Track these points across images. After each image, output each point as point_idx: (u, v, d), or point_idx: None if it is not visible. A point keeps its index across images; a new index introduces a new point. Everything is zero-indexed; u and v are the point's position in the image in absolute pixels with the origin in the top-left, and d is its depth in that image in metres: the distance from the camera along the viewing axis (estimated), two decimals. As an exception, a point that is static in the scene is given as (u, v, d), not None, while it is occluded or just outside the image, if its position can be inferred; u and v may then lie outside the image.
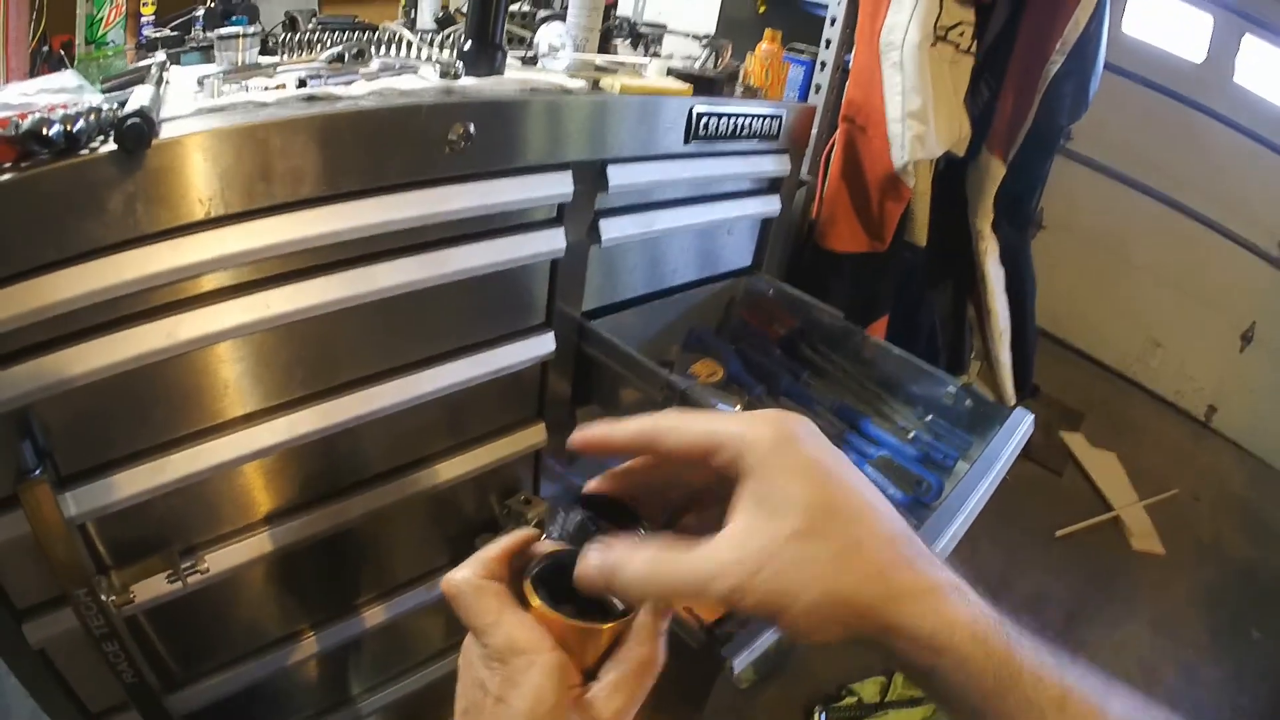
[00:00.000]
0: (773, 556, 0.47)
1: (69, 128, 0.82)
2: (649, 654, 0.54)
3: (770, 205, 1.90)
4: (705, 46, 1.75)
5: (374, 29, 1.48)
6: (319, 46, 1.35)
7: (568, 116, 1.33)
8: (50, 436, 0.96)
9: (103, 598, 1.04)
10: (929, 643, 0.46)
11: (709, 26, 2.41)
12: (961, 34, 2.17)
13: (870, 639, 0.48)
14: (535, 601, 0.54)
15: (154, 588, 1.12)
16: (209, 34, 1.54)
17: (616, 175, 1.43)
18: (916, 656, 0.47)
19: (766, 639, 1.18)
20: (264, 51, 1.25)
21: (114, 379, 0.95)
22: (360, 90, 1.15)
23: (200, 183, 0.94)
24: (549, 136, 1.31)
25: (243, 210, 0.99)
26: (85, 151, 0.85)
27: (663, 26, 1.91)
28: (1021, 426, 1.57)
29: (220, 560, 1.19)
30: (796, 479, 0.49)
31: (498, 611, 0.53)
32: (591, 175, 1.41)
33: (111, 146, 0.85)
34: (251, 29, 1.22)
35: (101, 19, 1.13)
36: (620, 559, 0.51)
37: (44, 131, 0.81)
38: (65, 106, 0.87)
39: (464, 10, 1.86)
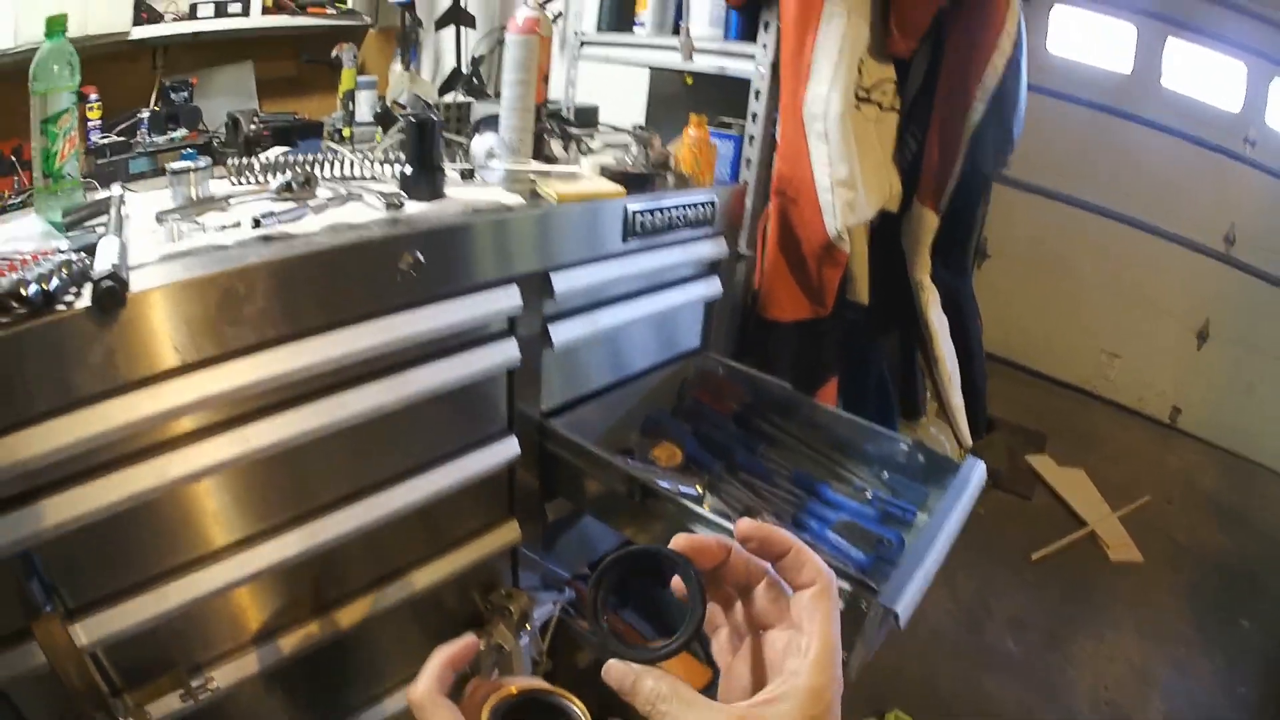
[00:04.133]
0: None
1: (45, 286, 0.87)
2: None
3: (712, 287, 1.96)
4: (634, 138, 1.79)
5: (318, 126, 1.51)
6: (259, 148, 1.37)
7: (510, 233, 1.39)
8: (56, 572, 1.01)
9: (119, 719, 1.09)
10: None
11: (640, 101, 2.45)
12: (884, 92, 2.22)
13: None
14: None
15: (167, 705, 1.16)
16: (154, 139, 1.56)
17: (561, 282, 1.49)
18: None
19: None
20: (208, 150, 1.26)
21: (113, 516, 1.00)
22: (312, 226, 1.21)
23: (173, 331, 1.00)
24: (494, 254, 1.37)
25: (215, 354, 1.05)
26: (62, 307, 0.90)
27: (594, 108, 1.93)
28: (975, 475, 1.61)
29: (226, 675, 1.23)
30: None
31: None
32: (537, 284, 1.47)
33: (86, 303, 0.90)
34: (202, 162, 1.27)
35: (56, 153, 1.17)
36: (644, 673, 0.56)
37: (22, 291, 0.85)
38: (36, 258, 0.92)
39: (401, 103, 1.91)
